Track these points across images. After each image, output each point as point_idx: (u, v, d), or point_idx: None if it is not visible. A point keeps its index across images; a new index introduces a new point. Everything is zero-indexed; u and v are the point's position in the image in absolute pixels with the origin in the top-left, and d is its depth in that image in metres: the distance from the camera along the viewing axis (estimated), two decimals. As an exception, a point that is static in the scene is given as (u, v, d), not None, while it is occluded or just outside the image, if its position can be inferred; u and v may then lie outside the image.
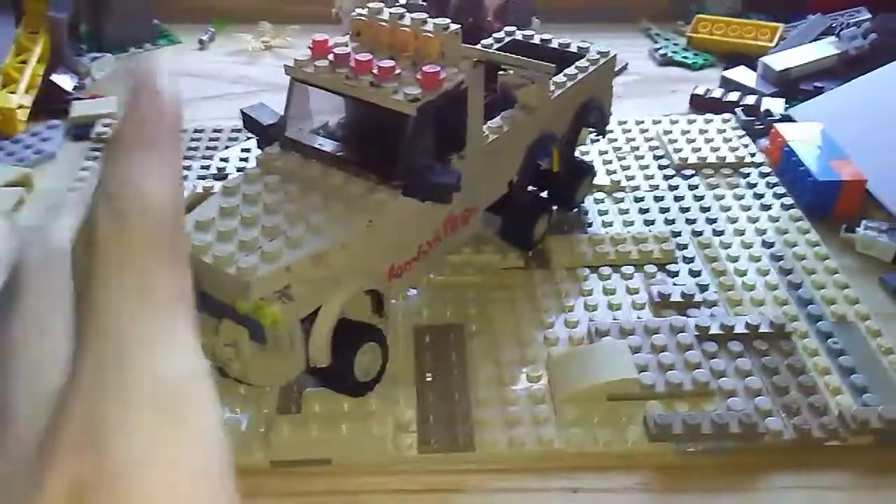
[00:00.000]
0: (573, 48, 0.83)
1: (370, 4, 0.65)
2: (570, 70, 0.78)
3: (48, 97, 1.06)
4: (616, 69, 0.92)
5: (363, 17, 0.64)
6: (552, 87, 0.75)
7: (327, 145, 0.65)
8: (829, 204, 0.87)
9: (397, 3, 1.13)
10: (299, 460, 0.60)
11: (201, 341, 0.59)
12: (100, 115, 1.03)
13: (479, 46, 0.79)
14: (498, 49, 0.82)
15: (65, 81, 1.09)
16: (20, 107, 1.01)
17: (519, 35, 0.85)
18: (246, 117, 0.68)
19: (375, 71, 0.59)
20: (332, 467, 0.60)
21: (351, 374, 0.60)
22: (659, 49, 1.27)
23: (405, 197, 0.60)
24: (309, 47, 0.63)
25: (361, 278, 0.59)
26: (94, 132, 1.00)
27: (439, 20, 0.62)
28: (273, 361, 0.56)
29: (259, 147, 0.68)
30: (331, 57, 0.62)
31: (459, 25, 0.63)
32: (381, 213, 0.60)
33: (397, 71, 0.60)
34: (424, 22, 0.62)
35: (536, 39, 0.84)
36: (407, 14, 0.63)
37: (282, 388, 0.63)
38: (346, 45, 0.63)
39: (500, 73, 0.74)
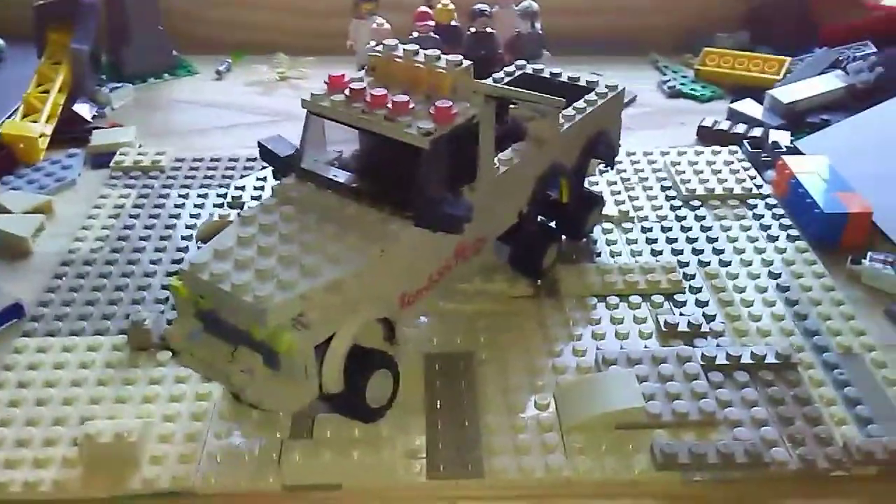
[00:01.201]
0: (582, 82, 0.85)
1: (385, 41, 0.67)
2: (580, 103, 0.80)
3: (69, 126, 1.09)
4: (625, 101, 0.94)
5: (378, 54, 0.66)
6: (562, 120, 0.76)
7: (342, 176, 0.67)
8: (836, 236, 0.88)
9: (411, 37, 1.16)
10: (311, 485, 0.61)
11: (219, 368, 0.61)
12: (119, 143, 1.06)
13: (490, 80, 0.82)
14: (509, 82, 0.84)
15: (85, 111, 1.12)
16: (41, 135, 1.04)
17: (529, 69, 0.87)
18: (263, 149, 0.70)
19: (390, 105, 0.61)
20: (342, 492, 0.61)
21: (363, 400, 0.61)
22: (667, 81, 1.29)
23: (417, 227, 0.62)
24: (325, 82, 0.65)
25: (374, 306, 0.61)
26: (113, 160, 1.03)
27: (452, 57, 0.64)
28: (287, 387, 0.57)
29: (275, 177, 0.70)
30: (347, 91, 0.64)
31: (472, 61, 0.65)
32: (394, 242, 0.61)
33: (411, 105, 0.61)
34: (438, 58, 0.64)
35: (546, 73, 0.86)
36: (421, 51, 0.65)
37: (294, 413, 0.65)
38: (362, 81, 0.65)
39: (512, 106, 0.75)
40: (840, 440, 0.64)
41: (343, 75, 0.66)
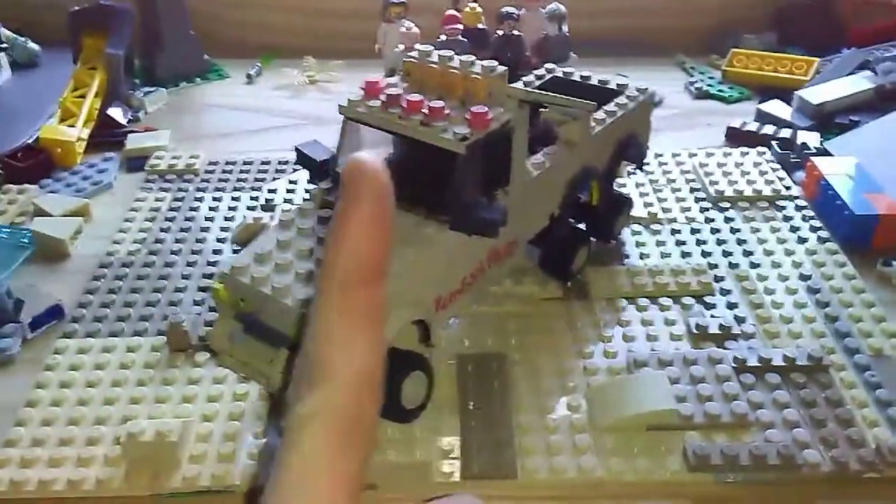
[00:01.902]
0: (612, 85, 0.85)
1: (419, 46, 0.68)
2: (610, 107, 0.80)
3: (104, 130, 1.11)
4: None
5: (414, 59, 0.67)
6: (593, 124, 0.77)
7: (377, 181, 0.68)
8: (866, 237, 0.88)
9: (438, 40, 1.17)
10: (347, 484, 0.62)
11: (259, 369, 0.62)
12: (153, 147, 1.07)
13: (521, 84, 0.82)
14: (539, 86, 0.85)
15: (119, 115, 1.14)
16: (78, 139, 1.06)
17: (559, 72, 0.87)
18: (299, 154, 0.71)
19: (426, 111, 0.62)
20: (377, 492, 0.62)
21: (398, 401, 0.62)
22: (694, 82, 1.29)
23: (453, 231, 0.63)
24: (361, 88, 0.66)
25: (410, 309, 0.61)
26: (147, 164, 1.04)
27: (486, 63, 0.65)
28: (325, 388, 0.58)
29: (311, 182, 0.71)
30: (383, 97, 0.65)
31: (506, 68, 0.66)
32: (430, 246, 0.62)
33: (447, 111, 0.62)
34: (472, 64, 0.65)
35: (576, 76, 0.87)
36: (455, 56, 0.66)
37: (331, 413, 0.66)
38: (397, 86, 0.66)
39: (542, 109, 0.76)
40: (872, 442, 0.64)
41: (378, 81, 0.66)
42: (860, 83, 1.18)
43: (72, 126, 1.07)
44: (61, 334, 0.77)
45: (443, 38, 1.18)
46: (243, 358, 0.60)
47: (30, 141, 1.07)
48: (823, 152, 1.04)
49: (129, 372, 0.72)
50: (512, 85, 0.71)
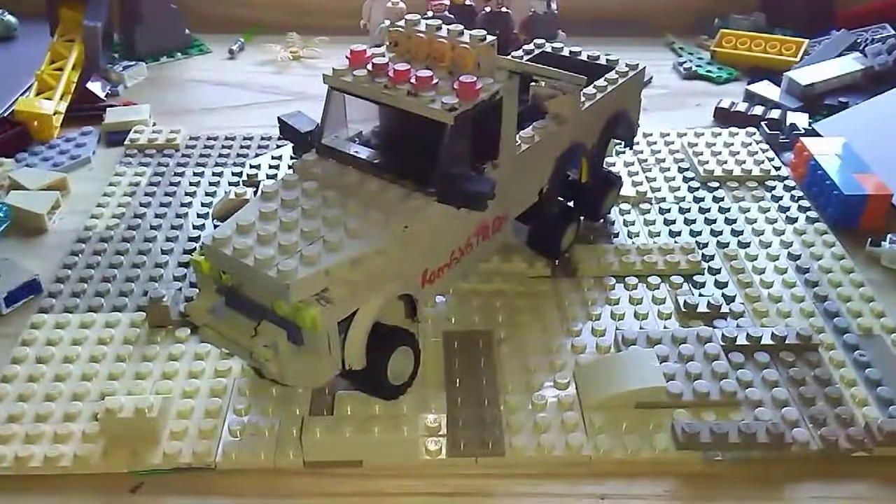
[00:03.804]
0: (602, 61, 0.84)
1: (407, 16, 0.66)
2: (600, 82, 0.79)
3: (82, 104, 1.08)
4: (642, 82, 0.93)
5: (401, 29, 0.65)
6: (583, 99, 0.76)
7: (363, 153, 0.66)
8: (855, 217, 0.87)
9: (425, 16, 1.15)
10: (331, 462, 0.61)
11: (241, 343, 0.60)
12: (133, 121, 1.05)
13: (511, 58, 0.81)
14: (529, 61, 0.83)
15: (98, 89, 1.11)
16: (55, 113, 1.04)
17: (548, 47, 0.86)
18: (283, 125, 0.69)
19: (413, 80, 0.61)
20: (363, 469, 0.61)
21: (384, 377, 0.61)
22: (683, 63, 1.28)
23: (440, 204, 0.61)
24: (347, 57, 0.65)
25: (396, 283, 0.60)
26: (127, 138, 1.02)
27: (475, 32, 0.64)
28: (309, 363, 0.57)
29: (295, 154, 0.69)
30: (369, 66, 0.63)
31: (494, 38, 0.64)
32: (417, 219, 0.61)
33: (435, 81, 0.61)
34: (461, 34, 0.64)
35: (566, 52, 0.86)
36: (444, 26, 0.65)
37: (314, 390, 0.64)
38: (384, 56, 0.65)
39: (532, 83, 0.75)
40: (861, 421, 0.64)
41: (364, 50, 0.65)
42: (849, 64, 1.18)
43: (49, 99, 1.04)
44: (38, 309, 0.75)
45: (429, 13, 1.17)
46: (225, 332, 0.58)
47: (5, 114, 1.04)
48: (812, 133, 1.04)
49: (107, 347, 0.70)
50: (504, 57, 0.70)
